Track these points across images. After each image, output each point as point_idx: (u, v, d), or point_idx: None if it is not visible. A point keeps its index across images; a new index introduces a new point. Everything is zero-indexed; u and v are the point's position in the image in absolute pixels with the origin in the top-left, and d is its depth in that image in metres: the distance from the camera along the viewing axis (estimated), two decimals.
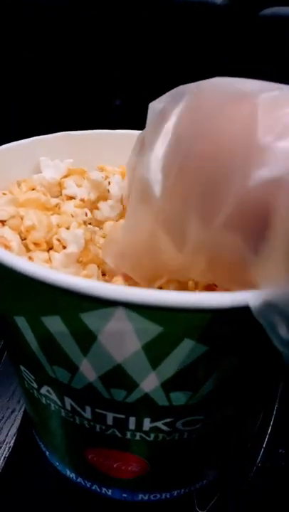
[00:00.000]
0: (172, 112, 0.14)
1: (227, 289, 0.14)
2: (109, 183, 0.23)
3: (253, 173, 0.11)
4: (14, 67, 0.64)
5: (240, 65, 0.57)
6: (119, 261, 0.16)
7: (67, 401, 0.16)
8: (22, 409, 0.26)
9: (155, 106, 0.15)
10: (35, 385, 0.17)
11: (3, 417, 0.25)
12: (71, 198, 0.23)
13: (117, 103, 0.60)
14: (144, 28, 0.58)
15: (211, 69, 0.57)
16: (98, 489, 0.21)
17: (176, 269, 0.14)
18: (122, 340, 0.13)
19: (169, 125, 0.13)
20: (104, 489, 0.21)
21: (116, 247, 0.16)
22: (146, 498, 0.21)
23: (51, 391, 0.16)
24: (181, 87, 0.14)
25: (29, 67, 0.65)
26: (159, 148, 0.13)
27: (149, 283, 0.16)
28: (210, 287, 0.17)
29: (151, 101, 0.15)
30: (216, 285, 0.16)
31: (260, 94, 0.12)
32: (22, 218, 0.19)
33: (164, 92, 0.15)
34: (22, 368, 0.17)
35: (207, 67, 0.56)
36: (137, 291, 0.11)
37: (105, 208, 0.22)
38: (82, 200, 0.22)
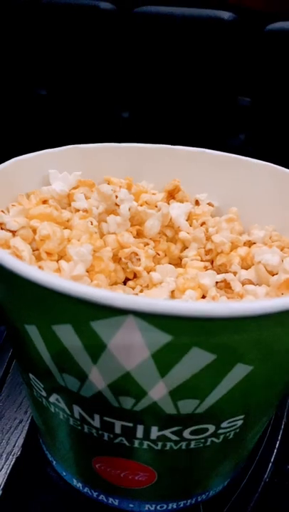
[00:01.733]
0: None
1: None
2: (116, 196, 0.23)
3: None
4: (24, 81, 0.65)
5: (246, 80, 0.57)
6: None
7: (76, 409, 0.16)
8: (29, 420, 0.26)
9: None
10: (44, 394, 0.17)
11: (10, 427, 0.25)
12: (79, 210, 0.23)
13: (125, 115, 0.61)
14: (151, 43, 0.59)
15: (218, 83, 0.58)
16: (105, 499, 0.21)
17: None
18: (131, 348, 0.13)
19: None
20: (111, 499, 0.21)
21: None
22: (152, 508, 0.21)
23: (60, 399, 0.17)
24: None
25: (38, 80, 0.66)
26: None
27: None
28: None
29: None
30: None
31: None
32: (33, 229, 0.19)
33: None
34: (31, 376, 0.17)
35: (213, 81, 0.57)
36: (147, 301, 0.12)
37: (112, 224, 0.23)
38: (85, 210, 0.22)
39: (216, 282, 0.21)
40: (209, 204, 0.26)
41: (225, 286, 0.21)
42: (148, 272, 0.22)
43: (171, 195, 0.26)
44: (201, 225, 0.24)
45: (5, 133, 0.63)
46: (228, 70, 0.57)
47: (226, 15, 0.55)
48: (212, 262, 0.23)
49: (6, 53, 0.62)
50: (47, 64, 0.64)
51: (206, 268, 0.22)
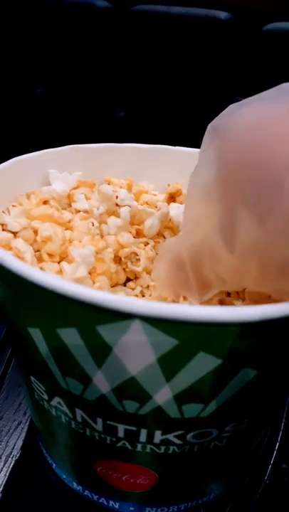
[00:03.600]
0: (225, 126, 0.14)
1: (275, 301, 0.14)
2: (116, 197, 0.23)
3: None
4: (21, 80, 0.65)
5: (243, 79, 0.57)
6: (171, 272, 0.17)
7: (79, 413, 0.16)
8: (28, 422, 0.26)
9: (210, 125, 0.16)
10: (45, 397, 0.17)
11: (9, 430, 0.25)
12: (79, 211, 0.23)
13: (121, 114, 0.60)
14: (148, 41, 0.59)
15: (214, 82, 0.58)
16: (105, 502, 0.21)
17: (229, 275, 0.14)
18: (137, 352, 0.13)
19: (222, 135, 0.14)
20: (111, 502, 0.21)
21: (168, 256, 0.17)
22: (153, 511, 0.21)
23: (62, 403, 0.17)
24: (234, 105, 0.15)
25: (34, 79, 0.66)
26: (214, 149, 0.14)
27: (200, 295, 0.16)
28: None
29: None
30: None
31: None
32: (34, 230, 0.19)
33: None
34: (32, 378, 0.17)
35: (210, 80, 0.57)
36: (154, 305, 0.12)
37: (113, 226, 0.23)
38: (86, 211, 0.22)
39: None
40: None
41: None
42: (148, 273, 0.22)
43: (173, 197, 0.26)
44: None
45: (2, 130, 0.63)
46: (225, 69, 0.57)
47: (222, 14, 0.55)
48: None
49: (1, 52, 0.62)
50: (43, 62, 0.64)
51: None
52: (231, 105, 0.15)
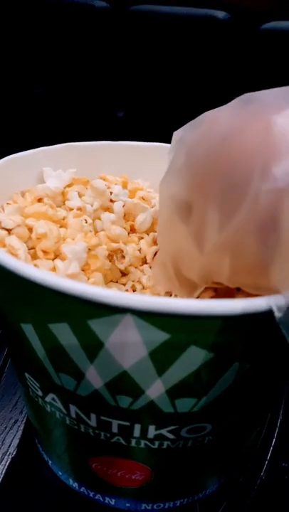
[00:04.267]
0: (191, 134, 0.15)
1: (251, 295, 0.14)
2: (110, 193, 0.23)
3: (268, 178, 0.12)
4: (17, 78, 0.65)
5: (241, 79, 0.57)
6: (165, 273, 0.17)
7: (73, 409, 0.16)
8: (24, 420, 0.26)
9: (176, 133, 0.16)
10: (40, 393, 0.17)
11: (5, 428, 0.25)
12: (73, 209, 0.23)
13: (120, 115, 0.61)
14: (146, 42, 0.59)
15: (213, 82, 0.58)
16: (101, 499, 0.21)
17: (204, 275, 0.15)
18: (128, 347, 0.13)
19: (189, 143, 0.15)
20: (107, 499, 0.21)
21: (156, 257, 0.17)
22: (149, 507, 0.21)
23: (56, 399, 0.17)
24: (201, 116, 0.15)
25: (33, 79, 0.66)
26: (181, 156, 0.15)
27: (189, 294, 0.16)
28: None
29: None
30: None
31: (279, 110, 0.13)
32: (28, 228, 0.19)
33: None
34: (27, 375, 0.17)
35: (208, 80, 0.57)
36: (145, 299, 0.12)
37: (107, 222, 0.23)
38: (79, 208, 0.22)
39: None
40: None
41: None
42: (136, 268, 0.22)
43: None
44: None
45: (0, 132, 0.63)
46: (223, 68, 0.57)
47: (220, 14, 0.55)
48: None
49: (0, 52, 0.62)
50: (42, 62, 0.64)
51: None
52: (200, 116, 0.16)
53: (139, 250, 0.22)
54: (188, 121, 0.16)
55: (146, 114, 0.64)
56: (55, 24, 0.61)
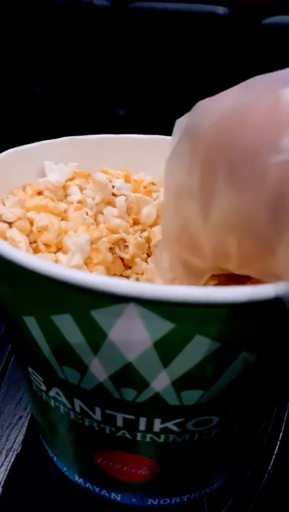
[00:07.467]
0: (194, 116, 0.15)
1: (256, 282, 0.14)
2: (113, 186, 0.23)
3: (277, 150, 0.11)
4: (20, 75, 0.65)
5: (243, 75, 0.57)
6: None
7: (77, 403, 0.16)
8: (29, 416, 0.26)
9: (179, 120, 0.16)
10: (43, 388, 0.17)
11: (10, 424, 0.25)
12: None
13: (121, 112, 0.60)
14: (147, 39, 0.59)
15: (214, 78, 0.57)
16: (107, 494, 0.21)
17: (210, 257, 0.14)
18: (132, 337, 0.13)
19: (193, 123, 0.14)
20: (113, 494, 0.21)
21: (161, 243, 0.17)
22: (155, 503, 0.21)
23: (60, 393, 0.16)
24: (201, 101, 0.15)
25: (34, 78, 0.66)
26: (186, 137, 0.15)
27: (194, 282, 0.16)
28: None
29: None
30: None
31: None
32: (30, 221, 0.19)
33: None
34: (30, 370, 0.17)
35: (209, 76, 0.56)
36: (149, 287, 0.11)
37: (109, 216, 0.22)
38: (79, 202, 0.22)
39: None
40: None
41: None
42: (142, 260, 0.22)
43: None
44: None
45: (1, 131, 0.63)
46: (224, 64, 0.57)
47: (221, 9, 0.54)
48: None
49: (1, 51, 0.62)
50: (43, 62, 0.64)
51: None
52: (200, 101, 0.15)
53: (144, 238, 0.22)
54: None
55: (148, 111, 0.64)
56: (56, 23, 0.61)
